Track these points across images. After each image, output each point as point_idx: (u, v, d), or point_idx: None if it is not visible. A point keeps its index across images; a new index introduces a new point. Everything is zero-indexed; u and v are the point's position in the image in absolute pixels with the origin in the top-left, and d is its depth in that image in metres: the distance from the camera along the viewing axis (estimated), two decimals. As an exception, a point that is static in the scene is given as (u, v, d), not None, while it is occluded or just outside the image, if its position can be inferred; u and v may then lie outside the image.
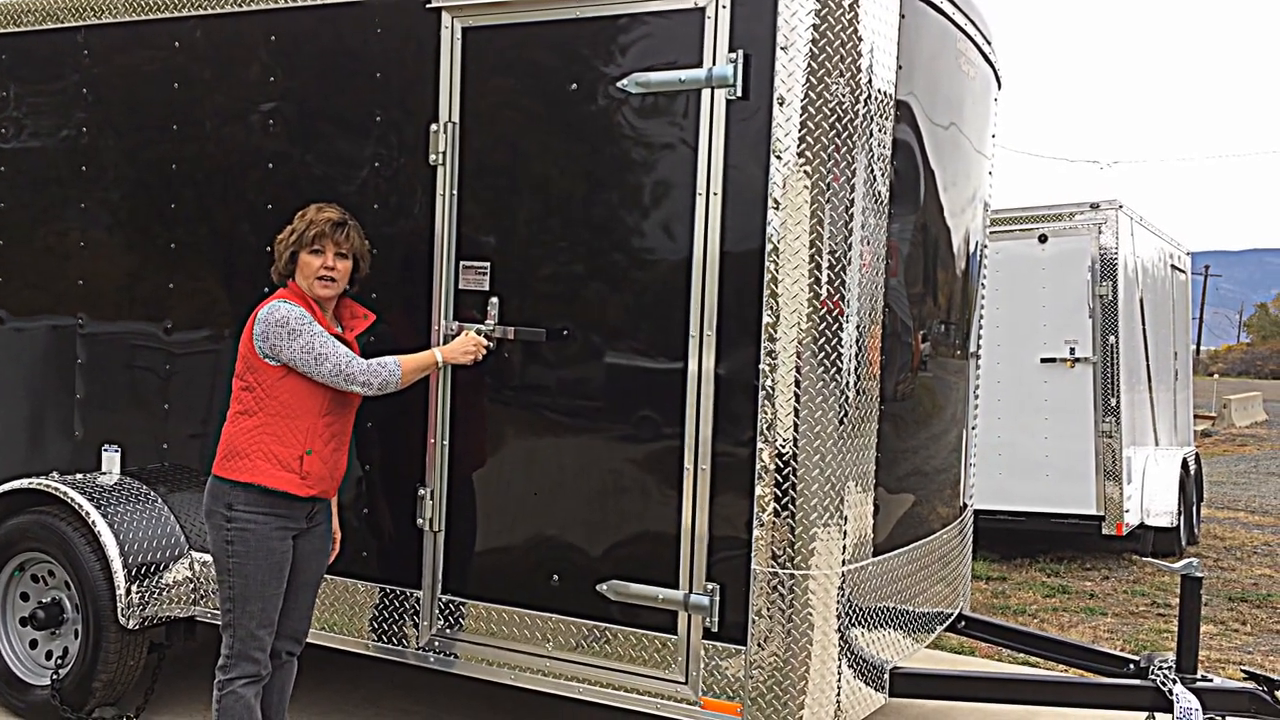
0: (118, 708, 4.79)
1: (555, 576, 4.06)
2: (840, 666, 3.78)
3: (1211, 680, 4.19)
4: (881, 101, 3.77)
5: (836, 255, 3.66)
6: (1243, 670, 4.42)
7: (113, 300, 5.02)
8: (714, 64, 3.73)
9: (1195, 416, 15.22)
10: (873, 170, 3.76)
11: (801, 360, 3.66)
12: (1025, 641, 5.11)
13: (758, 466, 3.69)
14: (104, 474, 4.89)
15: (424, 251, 4.24)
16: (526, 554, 4.12)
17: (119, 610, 4.50)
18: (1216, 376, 47.16)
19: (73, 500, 4.62)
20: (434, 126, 4.21)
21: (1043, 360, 9.36)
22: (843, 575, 3.76)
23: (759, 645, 3.72)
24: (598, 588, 3.97)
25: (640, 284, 3.91)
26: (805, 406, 3.66)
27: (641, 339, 3.92)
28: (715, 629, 3.79)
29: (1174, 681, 4.13)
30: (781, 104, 3.64)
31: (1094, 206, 9.32)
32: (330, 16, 4.44)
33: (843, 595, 3.76)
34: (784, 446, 3.67)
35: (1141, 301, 9.99)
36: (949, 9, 4.26)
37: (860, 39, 3.67)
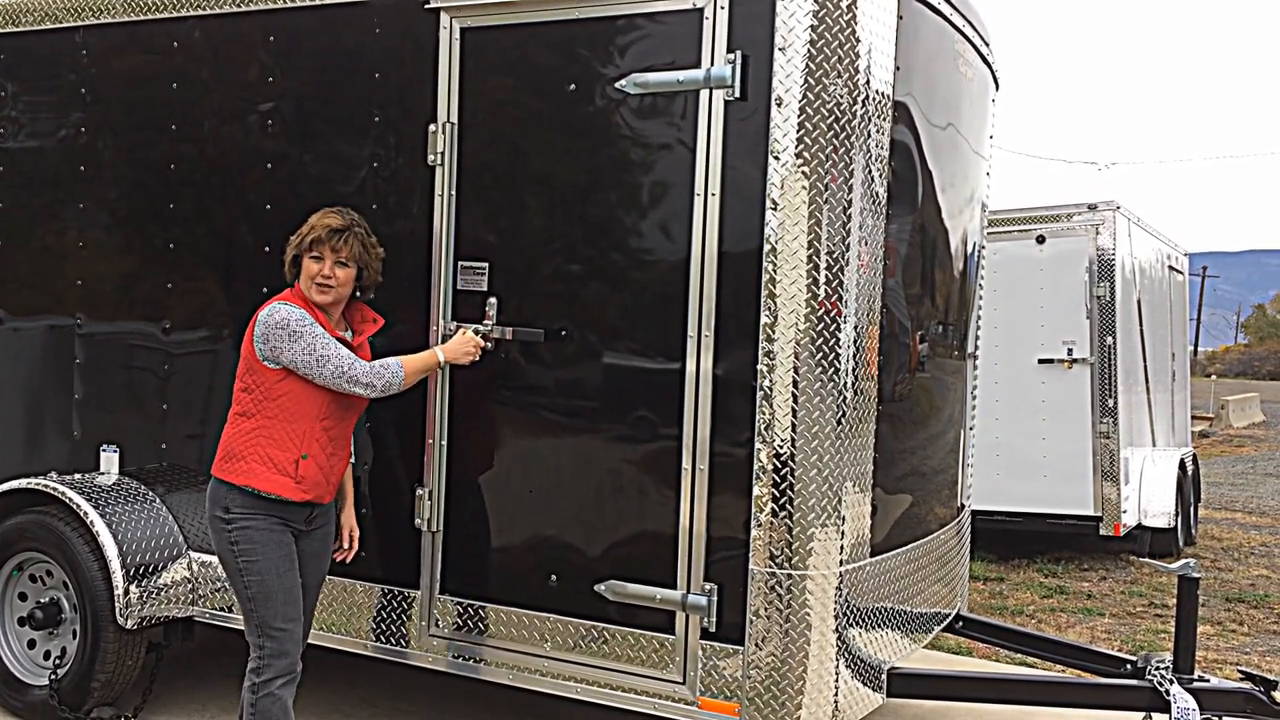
0: (116, 707, 4.79)
1: (553, 576, 4.06)
2: (838, 667, 3.78)
3: (1208, 680, 4.20)
4: (879, 102, 3.77)
5: (834, 256, 3.67)
6: (1239, 670, 4.43)
7: (111, 300, 5.02)
8: (712, 65, 3.74)
9: (1193, 417, 15.23)
10: (870, 171, 3.76)
11: (799, 361, 3.66)
12: (1023, 642, 5.11)
13: (756, 467, 3.70)
14: (102, 474, 4.89)
15: (422, 252, 4.24)
16: (525, 554, 4.12)
17: (117, 610, 4.50)
18: (1214, 377, 47.18)
19: (71, 500, 4.62)
20: (432, 127, 4.21)
21: (1040, 361, 9.37)
22: (840, 575, 3.76)
23: (757, 645, 3.72)
24: (596, 588, 3.97)
25: (638, 284, 3.92)
26: (803, 407, 3.66)
27: (639, 339, 3.92)
28: (713, 629, 3.79)
29: (1171, 682, 4.14)
30: (779, 105, 3.64)
31: (1092, 207, 9.33)
32: (329, 17, 4.44)
33: (840, 595, 3.77)
34: (782, 447, 3.67)
35: (1139, 302, 10.00)
36: (947, 10, 4.27)
37: (858, 40, 3.67)
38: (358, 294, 3.88)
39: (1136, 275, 9.94)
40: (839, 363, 3.69)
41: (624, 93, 3.89)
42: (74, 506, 4.61)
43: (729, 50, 3.71)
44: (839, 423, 3.71)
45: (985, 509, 8.82)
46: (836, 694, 3.78)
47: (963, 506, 5.25)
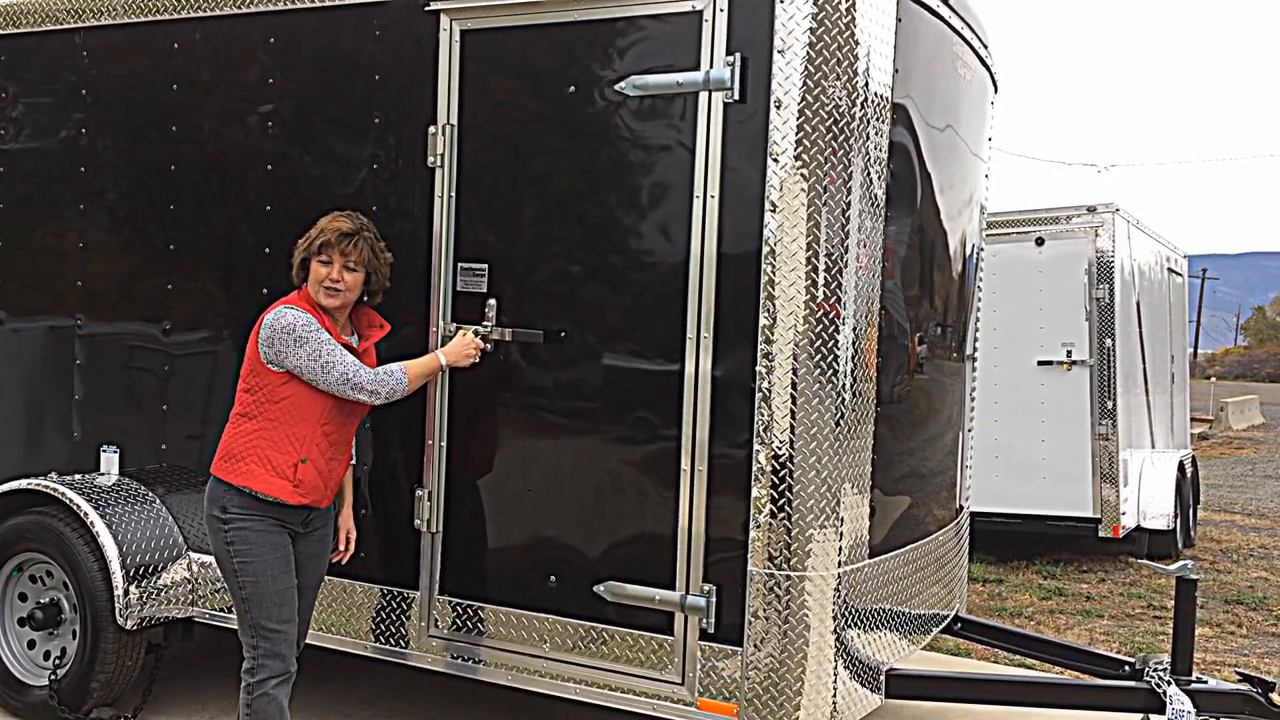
0: (115, 708, 4.79)
1: (552, 577, 4.07)
2: (836, 668, 3.78)
3: (1206, 682, 4.21)
4: (878, 104, 3.78)
5: (833, 258, 3.67)
6: (1237, 672, 4.43)
7: (111, 301, 5.02)
8: (711, 67, 3.75)
9: (1192, 419, 15.24)
10: (869, 173, 3.77)
11: (798, 362, 3.67)
12: (1021, 643, 5.12)
13: (754, 468, 3.70)
14: (102, 475, 4.89)
15: (422, 253, 4.25)
16: (524, 555, 4.13)
17: (117, 611, 4.51)
18: (1213, 379, 47.19)
19: (71, 501, 4.62)
20: (432, 128, 4.22)
21: (1040, 363, 9.38)
22: (839, 577, 3.77)
23: (755, 646, 3.72)
24: (595, 589, 3.98)
25: (637, 286, 3.92)
26: (802, 408, 3.67)
27: (639, 341, 3.93)
28: (712, 630, 3.80)
29: (1169, 683, 4.14)
30: (778, 107, 3.65)
31: (1091, 209, 9.34)
32: (329, 18, 4.45)
33: (839, 597, 3.77)
34: (780, 448, 3.68)
35: (1138, 304, 10.01)
36: (945, 12, 4.27)
37: (857, 42, 3.68)
38: (365, 299, 3.88)
39: (1136, 277, 9.95)
40: (838, 364, 3.70)
41: (623, 95, 3.90)
42: (74, 507, 4.61)
43: (728, 52, 3.72)
44: (838, 424, 3.72)
45: (984, 510, 8.83)
46: (835, 695, 3.79)
47: (961, 508, 5.26)
